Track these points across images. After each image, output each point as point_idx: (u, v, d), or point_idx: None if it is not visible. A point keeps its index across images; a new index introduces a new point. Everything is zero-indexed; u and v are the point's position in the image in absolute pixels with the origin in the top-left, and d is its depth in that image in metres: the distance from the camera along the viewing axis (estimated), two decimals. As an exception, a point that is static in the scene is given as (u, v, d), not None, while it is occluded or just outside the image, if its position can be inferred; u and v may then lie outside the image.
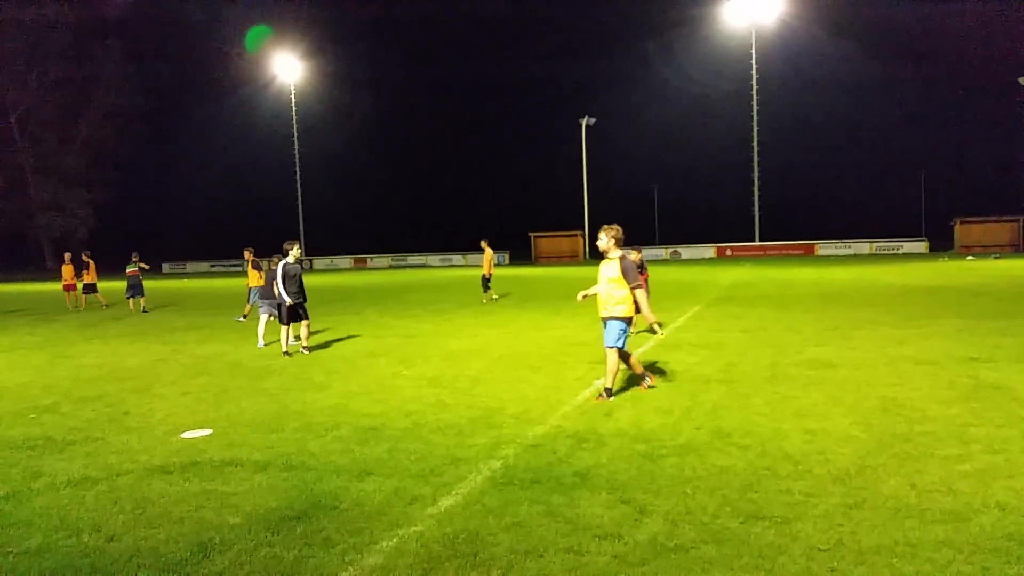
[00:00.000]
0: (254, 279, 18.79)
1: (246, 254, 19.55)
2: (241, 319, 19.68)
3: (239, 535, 5.08)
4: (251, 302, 19.38)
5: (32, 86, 76.18)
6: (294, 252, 13.42)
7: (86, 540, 5.08)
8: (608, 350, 8.74)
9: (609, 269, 8.67)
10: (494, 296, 23.69)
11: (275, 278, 13.33)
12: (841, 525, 4.92)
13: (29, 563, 4.75)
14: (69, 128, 79.03)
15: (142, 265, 23.53)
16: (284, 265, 13.35)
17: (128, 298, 23.39)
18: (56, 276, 52.33)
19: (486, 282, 23.39)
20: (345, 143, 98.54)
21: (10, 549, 4.98)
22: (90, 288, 25.05)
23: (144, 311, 23.23)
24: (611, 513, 5.25)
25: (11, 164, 76.55)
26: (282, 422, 8.21)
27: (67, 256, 26.30)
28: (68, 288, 25.91)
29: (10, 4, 71.03)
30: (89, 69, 78.08)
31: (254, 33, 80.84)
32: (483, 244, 23.85)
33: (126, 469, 6.65)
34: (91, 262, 24.82)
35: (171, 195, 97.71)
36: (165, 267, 73.97)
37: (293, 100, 78.59)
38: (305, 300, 13.60)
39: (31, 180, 78.10)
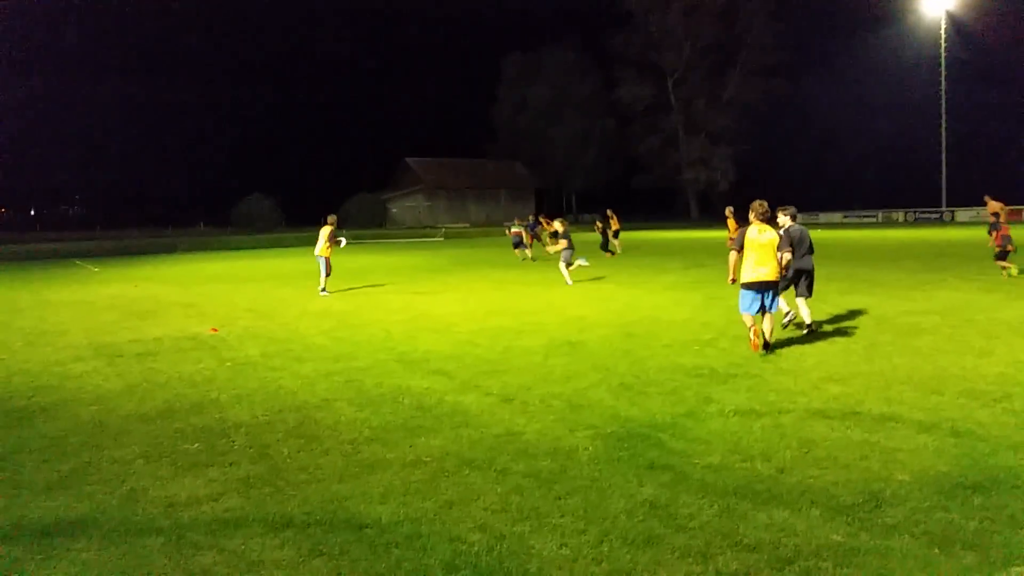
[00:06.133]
0: (324, 250, 18.29)
1: (331, 219, 19.17)
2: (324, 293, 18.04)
3: (909, 492, 4.94)
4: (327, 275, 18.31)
5: (686, 53, 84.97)
6: None
7: (758, 467, 5.50)
8: None
9: None
10: None
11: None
12: None
13: (714, 477, 5.35)
14: (716, 89, 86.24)
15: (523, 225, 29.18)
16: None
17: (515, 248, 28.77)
18: (702, 225, 57.66)
19: None
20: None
21: (696, 461, 5.68)
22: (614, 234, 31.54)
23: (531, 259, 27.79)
24: None
25: (666, 126, 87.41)
26: (941, 385, 7.69)
27: (729, 211, 25.37)
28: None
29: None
30: (737, 31, 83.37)
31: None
32: None
33: (786, 408, 7.01)
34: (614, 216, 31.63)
35: (807, 148, 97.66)
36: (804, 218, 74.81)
37: (943, 33, 70.65)
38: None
39: (682, 139, 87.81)
